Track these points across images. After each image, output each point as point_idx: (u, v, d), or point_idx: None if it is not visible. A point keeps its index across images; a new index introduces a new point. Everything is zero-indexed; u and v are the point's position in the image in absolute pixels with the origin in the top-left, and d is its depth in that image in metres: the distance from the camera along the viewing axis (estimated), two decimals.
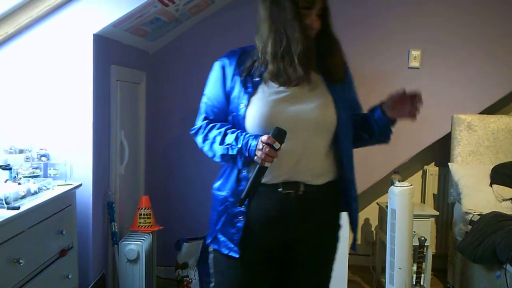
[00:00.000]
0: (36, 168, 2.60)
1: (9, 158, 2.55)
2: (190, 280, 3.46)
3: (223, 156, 1.73)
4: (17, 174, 2.47)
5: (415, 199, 3.37)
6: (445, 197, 4.11)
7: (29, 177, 2.49)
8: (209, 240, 1.83)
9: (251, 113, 1.70)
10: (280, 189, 1.72)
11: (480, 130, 3.83)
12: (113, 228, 3.05)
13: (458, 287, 3.57)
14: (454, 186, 3.73)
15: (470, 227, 3.37)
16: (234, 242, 1.73)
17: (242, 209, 1.72)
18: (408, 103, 1.79)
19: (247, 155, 1.66)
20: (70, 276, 2.50)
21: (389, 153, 4.00)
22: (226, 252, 1.76)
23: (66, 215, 2.49)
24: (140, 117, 3.73)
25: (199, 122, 1.87)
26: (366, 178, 3.98)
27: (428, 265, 3.57)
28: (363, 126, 1.87)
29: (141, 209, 3.23)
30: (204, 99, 1.85)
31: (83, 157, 2.76)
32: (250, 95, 1.71)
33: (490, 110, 4.00)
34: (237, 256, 1.73)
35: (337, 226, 1.91)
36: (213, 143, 1.77)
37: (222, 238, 1.78)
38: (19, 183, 2.34)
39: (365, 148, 4.08)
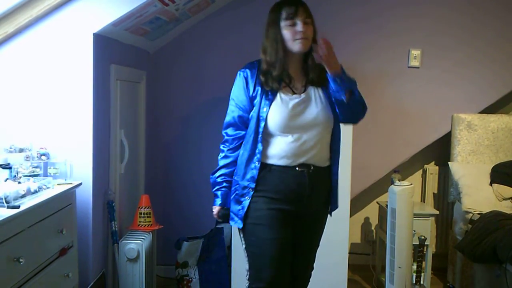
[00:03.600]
0: (36, 167, 2.60)
1: (9, 157, 2.55)
2: (190, 279, 3.46)
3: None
4: (17, 173, 2.47)
5: (415, 198, 3.37)
6: (445, 196, 4.11)
7: (29, 176, 2.49)
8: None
9: (272, 116, 2.14)
10: (297, 168, 2.17)
11: (480, 129, 3.83)
12: (113, 227, 3.06)
13: (458, 286, 3.57)
14: (454, 185, 3.73)
15: (470, 226, 3.37)
16: (239, 217, 2.21)
17: (250, 191, 2.18)
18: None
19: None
20: (70, 275, 2.50)
21: (389, 152, 4.01)
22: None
23: (66, 214, 2.50)
24: (140, 117, 3.73)
25: (229, 120, 2.28)
26: (366, 177, 3.98)
27: (428, 264, 3.57)
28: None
29: (141, 208, 3.23)
30: (232, 102, 2.26)
31: (83, 156, 2.77)
32: (271, 101, 2.15)
33: (490, 110, 4.00)
34: (240, 226, 2.20)
35: (329, 201, 2.34)
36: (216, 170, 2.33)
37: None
38: (19, 182, 2.34)
39: (365, 148, 4.11)
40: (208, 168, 3.82)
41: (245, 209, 2.18)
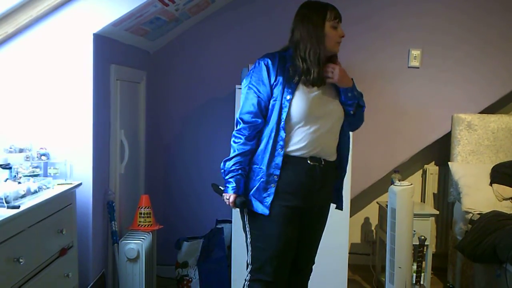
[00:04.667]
0: (36, 167, 2.60)
1: (9, 157, 2.56)
2: (190, 279, 3.46)
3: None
4: (17, 173, 2.47)
5: (415, 198, 3.37)
6: (445, 196, 4.11)
7: (29, 176, 2.49)
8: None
9: (296, 103, 2.22)
10: (309, 162, 2.25)
11: (480, 129, 3.83)
12: (113, 227, 3.06)
13: (458, 286, 3.57)
14: (454, 185, 3.73)
15: (470, 226, 3.37)
16: (265, 204, 2.24)
17: (275, 178, 2.23)
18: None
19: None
20: (70, 275, 2.50)
21: (389, 152, 4.01)
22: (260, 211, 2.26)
23: (66, 214, 2.50)
24: (140, 117, 3.73)
25: (247, 107, 2.27)
26: (366, 177, 3.98)
27: (428, 264, 3.57)
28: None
29: (141, 208, 3.23)
30: (251, 89, 2.27)
31: (83, 156, 2.77)
32: (294, 90, 2.22)
33: (490, 110, 4.00)
34: (267, 213, 2.22)
35: (332, 196, 2.45)
36: (230, 158, 2.27)
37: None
38: (19, 182, 2.35)
39: (365, 148, 4.11)
40: (208, 168, 3.84)
41: (272, 196, 2.22)
